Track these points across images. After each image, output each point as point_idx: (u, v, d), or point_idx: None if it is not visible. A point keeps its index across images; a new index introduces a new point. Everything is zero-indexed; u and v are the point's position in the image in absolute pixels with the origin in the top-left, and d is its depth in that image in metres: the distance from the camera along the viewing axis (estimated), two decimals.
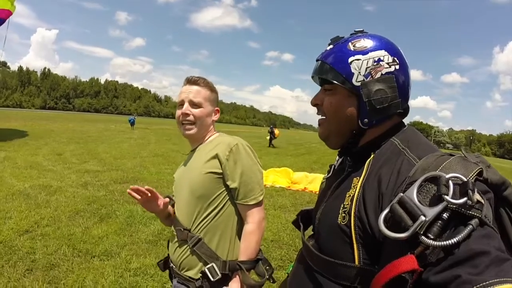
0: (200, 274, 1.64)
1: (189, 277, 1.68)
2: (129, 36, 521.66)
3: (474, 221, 0.69)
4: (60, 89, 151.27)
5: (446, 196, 0.70)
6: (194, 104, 1.76)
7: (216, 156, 1.66)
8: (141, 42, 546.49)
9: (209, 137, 1.84)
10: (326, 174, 1.30)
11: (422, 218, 0.70)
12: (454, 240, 0.67)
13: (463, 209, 0.70)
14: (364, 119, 1.03)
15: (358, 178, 1.00)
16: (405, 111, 1.10)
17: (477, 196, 0.71)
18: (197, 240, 1.66)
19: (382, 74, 1.00)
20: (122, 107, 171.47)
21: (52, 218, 5.50)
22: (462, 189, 0.71)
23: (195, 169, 1.73)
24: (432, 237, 0.69)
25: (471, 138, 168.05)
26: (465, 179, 0.72)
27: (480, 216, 0.70)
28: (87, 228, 5.18)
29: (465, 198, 0.69)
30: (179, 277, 1.74)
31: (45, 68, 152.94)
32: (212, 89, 1.83)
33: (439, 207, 0.70)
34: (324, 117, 1.12)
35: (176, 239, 1.76)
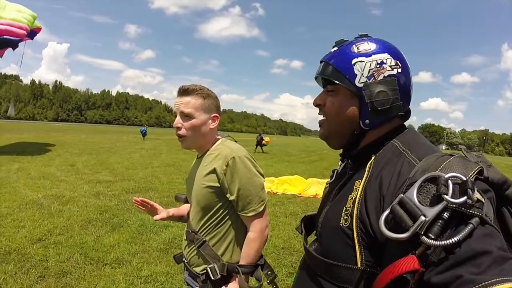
0: (204, 272, 1.74)
1: (196, 272, 1.79)
2: (139, 49, 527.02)
3: (475, 220, 0.69)
4: (72, 101, 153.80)
5: (445, 196, 0.70)
6: (185, 116, 1.74)
7: (214, 171, 1.69)
8: (151, 54, 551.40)
9: (213, 144, 1.84)
10: (329, 179, 1.31)
11: (422, 218, 0.70)
12: (455, 239, 0.67)
13: (463, 208, 0.70)
14: (365, 120, 1.04)
15: (360, 180, 1.00)
16: (406, 114, 1.10)
17: (477, 195, 0.71)
18: (201, 242, 1.75)
19: (384, 77, 1.01)
20: (134, 118, 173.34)
21: (65, 227, 5.57)
22: (462, 188, 0.71)
23: (197, 181, 1.78)
24: (433, 237, 0.69)
25: (484, 138, 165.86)
26: (465, 178, 0.73)
27: (480, 214, 0.70)
28: (99, 237, 5.22)
29: (465, 197, 0.69)
30: (189, 271, 1.87)
31: (56, 81, 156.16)
32: (206, 96, 1.77)
33: (439, 206, 0.71)
34: (325, 118, 1.14)
35: (185, 238, 1.89)
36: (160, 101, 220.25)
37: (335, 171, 1.30)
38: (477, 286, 0.61)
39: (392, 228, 0.75)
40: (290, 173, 12.84)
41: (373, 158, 1.03)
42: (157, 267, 4.27)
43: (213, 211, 1.74)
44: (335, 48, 1.11)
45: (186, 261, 1.89)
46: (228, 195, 1.69)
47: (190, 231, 1.82)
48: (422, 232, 0.70)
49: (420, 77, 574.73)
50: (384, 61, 1.02)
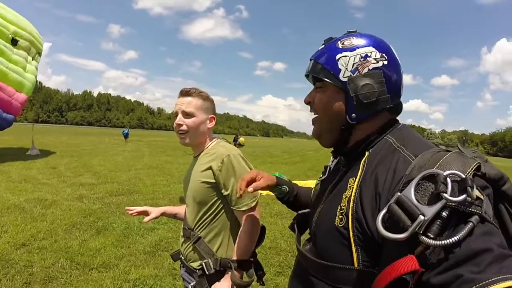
0: (200, 267, 1.82)
1: (193, 268, 1.87)
2: (121, 49, 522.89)
3: (474, 218, 0.68)
4: (53, 102, 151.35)
5: (444, 194, 0.69)
6: (187, 114, 1.86)
7: (210, 168, 1.79)
8: (134, 54, 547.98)
9: (208, 145, 1.95)
10: (321, 176, 1.30)
11: (421, 217, 0.69)
12: (455, 238, 0.66)
13: (462, 207, 0.69)
14: (351, 114, 1.03)
15: (354, 178, 0.98)
16: (397, 108, 1.10)
17: (476, 193, 0.70)
18: (197, 238, 1.84)
19: (369, 70, 1.01)
20: (115, 120, 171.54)
21: (49, 231, 5.48)
22: (461, 186, 0.70)
23: (194, 178, 1.88)
24: (432, 236, 0.68)
25: (464, 138, 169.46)
26: (464, 176, 0.71)
27: (480, 212, 0.69)
28: (84, 241, 5.16)
29: (464, 195, 0.68)
30: (186, 267, 1.94)
31: (37, 81, 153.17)
32: (205, 98, 1.91)
33: (438, 205, 0.69)
34: (317, 115, 1.14)
35: (182, 235, 1.97)
36: (143, 103, 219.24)
37: (328, 168, 1.30)
38: (477, 285, 0.61)
39: (390, 228, 0.74)
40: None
41: (366, 154, 1.02)
42: (144, 270, 4.24)
43: (208, 205, 1.82)
44: (323, 46, 1.11)
45: (183, 257, 1.96)
46: (223, 191, 1.78)
47: (187, 228, 1.91)
48: (421, 232, 0.69)
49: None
50: (369, 54, 1.02)
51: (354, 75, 1.01)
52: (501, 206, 0.84)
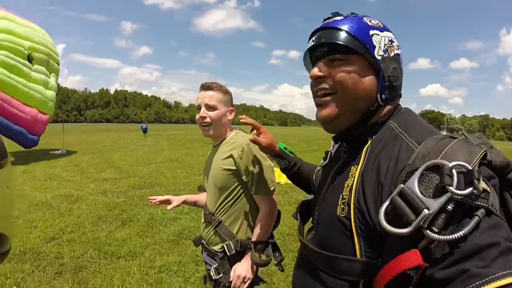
0: (222, 249, 1.95)
1: (215, 251, 1.99)
2: (135, 45, 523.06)
3: (481, 212, 0.66)
4: (71, 101, 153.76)
5: (450, 187, 0.66)
6: (209, 107, 1.97)
7: (231, 156, 1.91)
8: (148, 50, 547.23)
9: (228, 135, 2.07)
10: (322, 161, 1.28)
11: (426, 211, 0.67)
12: (461, 233, 0.63)
13: (468, 200, 0.66)
14: (382, 94, 0.98)
15: (356, 166, 0.95)
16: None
17: (482, 185, 0.67)
18: (218, 222, 1.96)
19: (395, 54, 1.00)
20: (133, 116, 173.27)
21: (76, 224, 5.70)
22: (467, 178, 0.67)
23: (215, 165, 2.00)
24: (436, 230, 0.66)
25: (485, 123, 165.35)
26: (470, 168, 0.68)
27: (486, 205, 0.66)
28: (110, 232, 5.37)
29: (471, 188, 0.65)
30: (208, 251, 2.06)
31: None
32: (225, 92, 2.03)
33: (443, 198, 0.67)
34: (334, 93, 1.00)
35: (203, 220, 2.10)
36: (159, 97, 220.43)
37: (329, 153, 1.27)
38: (483, 280, 0.59)
39: (393, 220, 0.72)
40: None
41: (369, 142, 0.98)
42: (169, 257, 4.41)
43: (228, 191, 1.94)
44: (340, 17, 1.03)
45: (204, 242, 2.09)
46: (243, 177, 1.90)
47: (208, 213, 2.04)
48: (426, 226, 0.67)
49: (419, 64, 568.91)
50: (392, 39, 1.01)
51: (386, 55, 0.98)
52: (506, 195, 0.82)
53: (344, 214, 0.90)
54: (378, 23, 1.01)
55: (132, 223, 5.85)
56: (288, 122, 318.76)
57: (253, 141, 1.61)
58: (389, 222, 0.72)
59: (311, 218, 1.21)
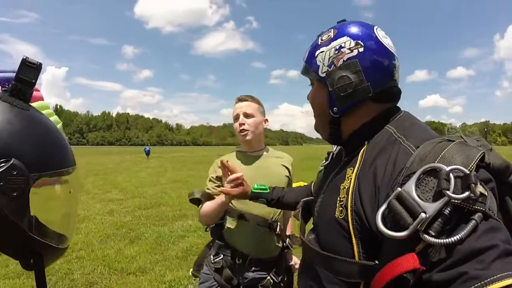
0: (280, 249, 2.11)
1: (274, 257, 2.10)
2: (137, 68, 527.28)
3: (478, 216, 0.65)
4: (73, 124, 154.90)
5: (447, 191, 0.66)
6: (247, 115, 2.10)
7: (286, 167, 2.20)
8: (149, 73, 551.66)
9: (264, 147, 2.25)
10: (324, 161, 1.30)
11: (423, 215, 0.67)
12: (458, 237, 0.64)
13: (466, 204, 0.66)
14: (333, 107, 1.03)
15: (352, 169, 0.96)
16: (387, 95, 1.04)
17: (480, 189, 0.67)
18: (280, 227, 2.09)
19: (344, 61, 0.99)
20: (135, 138, 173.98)
21: (85, 242, 5.76)
22: (464, 182, 0.67)
23: (273, 172, 2.14)
24: (433, 234, 0.66)
25: (486, 129, 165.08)
26: (467, 172, 0.68)
27: (484, 209, 0.66)
28: (119, 250, 5.42)
29: (468, 192, 0.65)
30: (261, 265, 2.04)
31: (57, 105, 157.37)
32: (259, 103, 2.19)
33: (440, 202, 0.67)
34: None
35: (249, 229, 2.01)
36: (161, 120, 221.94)
37: (331, 154, 1.29)
38: (482, 282, 0.59)
39: (390, 224, 0.73)
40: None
41: (366, 145, 1.00)
42: (179, 272, 4.46)
43: None
44: (318, 38, 1.10)
45: (254, 258, 2.12)
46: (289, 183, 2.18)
47: (262, 222, 2.03)
48: (423, 229, 0.67)
49: (416, 76, 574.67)
50: (342, 45, 1.00)
51: (331, 69, 1.00)
52: (507, 199, 0.81)
53: (342, 216, 0.91)
54: (327, 37, 1.04)
55: (140, 241, 5.90)
56: (289, 141, 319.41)
57: (225, 193, 1.70)
58: (386, 225, 0.73)
59: (311, 220, 1.23)
